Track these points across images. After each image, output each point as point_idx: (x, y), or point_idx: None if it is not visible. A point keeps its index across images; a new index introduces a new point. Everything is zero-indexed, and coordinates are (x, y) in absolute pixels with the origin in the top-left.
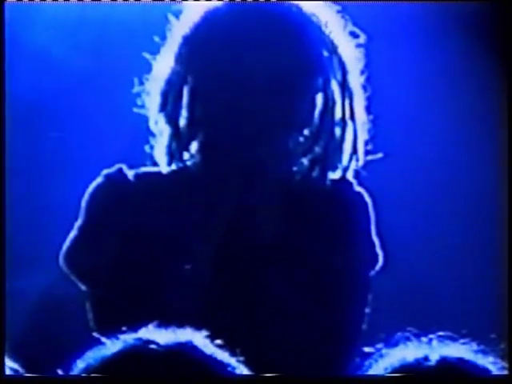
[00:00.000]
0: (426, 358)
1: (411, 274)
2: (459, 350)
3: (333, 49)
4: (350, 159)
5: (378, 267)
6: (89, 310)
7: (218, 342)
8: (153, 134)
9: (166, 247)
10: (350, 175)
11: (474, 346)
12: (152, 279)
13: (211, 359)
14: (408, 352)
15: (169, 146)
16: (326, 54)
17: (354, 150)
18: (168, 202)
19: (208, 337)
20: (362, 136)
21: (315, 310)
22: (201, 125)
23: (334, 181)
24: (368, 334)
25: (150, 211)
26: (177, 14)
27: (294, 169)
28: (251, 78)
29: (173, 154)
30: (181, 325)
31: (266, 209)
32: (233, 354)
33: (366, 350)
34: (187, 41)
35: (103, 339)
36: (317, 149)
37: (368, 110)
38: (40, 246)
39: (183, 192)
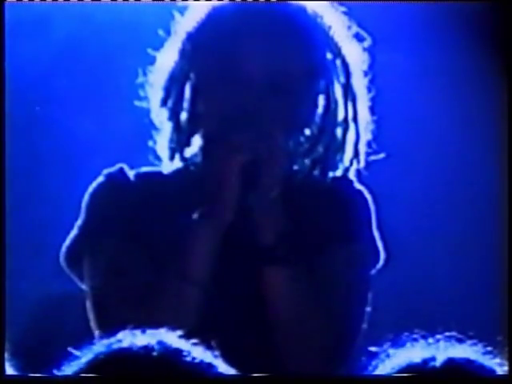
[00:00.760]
0: (433, 359)
1: (415, 274)
2: (466, 351)
3: (337, 51)
4: (352, 160)
5: (379, 266)
6: (89, 310)
7: (213, 342)
8: (156, 128)
9: (166, 247)
10: (351, 174)
11: (481, 348)
12: (152, 279)
13: (204, 363)
14: (414, 353)
15: (171, 141)
16: (329, 55)
17: (356, 151)
18: (168, 201)
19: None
20: (365, 137)
21: (315, 309)
22: (202, 122)
23: (334, 179)
24: (374, 334)
25: (151, 211)
26: (182, 11)
27: (295, 168)
28: (253, 77)
29: (174, 149)
30: (181, 325)
31: (266, 208)
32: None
33: (372, 349)
34: (191, 37)
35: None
36: (318, 149)
37: (372, 110)
38: (40, 246)
39: (183, 192)
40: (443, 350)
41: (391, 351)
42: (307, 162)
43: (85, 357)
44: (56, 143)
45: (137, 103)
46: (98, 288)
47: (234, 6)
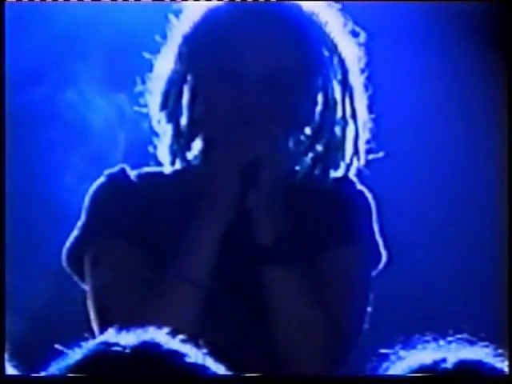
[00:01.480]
0: (444, 360)
1: (426, 275)
2: (477, 353)
3: (333, 48)
4: (352, 158)
5: (381, 266)
6: (90, 309)
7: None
8: (156, 134)
9: (167, 247)
10: (352, 174)
11: (492, 350)
12: (153, 279)
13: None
14: (426, 354)
15: (171, 146)
16: (326, 53)
17: (356, 149)
18: (169, 202)
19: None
20: (364, 135)
21: (315, 309)
22: (201, 124)
23: (335, 179)
24: (385, 336)
25: (152, 211)
26: (177, 14)
27: (296, 167)
28: (251, 77)
29: (175, 154)
30: (181, 325)
31: (266, 208)
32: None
33: (384, 351)
34: (187, 40)
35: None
36: (318, 147)
37: (370, 108)
38: (41, 246)
39: (184, 192)
40: (454, 352)
41: (402, 353)
42: (308, 160)
43: (85, 356)
44: (57, 143)
45: (136, 108)
46: (99, 288)
47: (229, 6)
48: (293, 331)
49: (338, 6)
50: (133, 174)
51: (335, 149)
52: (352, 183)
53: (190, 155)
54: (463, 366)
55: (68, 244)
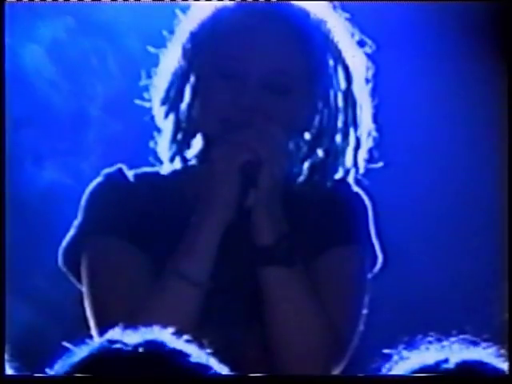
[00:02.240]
0: (446, 361)
1: (427, 277)
2: (480, 353)
3: (338, 57)
4: (350, 168)
5: (377, 268)
6: (87, 310)
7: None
8: (158, 130)
9: (165, 247)
10: (349, 178)
11: (494, 351)
12: (151, 278)
13: (203, 363)
14: (428, 355)
15: (171, 143)
16: (330, 61)
17: (355, 158)
18: (167, 201)
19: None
20: (366, 144)
21: (313, 310)
22: (202, 122)
23: (332, 182)
24: (389, 336)
25: (150, 211)
26: (184, 11)
27: (294, 170)
28: (252, 77)
29: (175, 151)
30: (180, 324)
31: (266, 208)
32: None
33: (386, 351)
34: (192, 37)
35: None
36: (317, 154)
37: (374, 118)
38: (40, 247)
39: (182, 192)
40: (457, 353)
41: (405, 353)
42: (306, 166)
43: (84, 356)
44: (56, 143)
45: (138, 102)
46: (96, 288)
47: (237, 6)
48: (291, 330)
49: (346, 15)
50: (130, 173)
51: (334, 156)
52: (348, 185)
53: (189, 154)
54: (466, 366)
55: (64, 243)
